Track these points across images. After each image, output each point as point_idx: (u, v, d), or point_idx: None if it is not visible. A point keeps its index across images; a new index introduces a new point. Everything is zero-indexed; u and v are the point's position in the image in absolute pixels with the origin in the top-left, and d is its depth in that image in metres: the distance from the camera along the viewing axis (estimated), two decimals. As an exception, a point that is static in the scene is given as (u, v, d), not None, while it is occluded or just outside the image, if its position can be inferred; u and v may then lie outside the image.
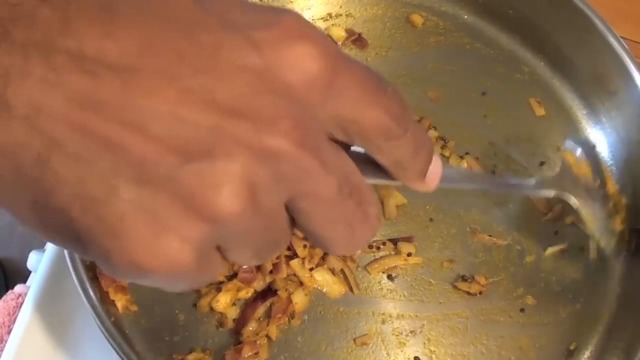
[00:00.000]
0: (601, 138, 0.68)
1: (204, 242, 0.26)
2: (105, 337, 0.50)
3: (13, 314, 0.69)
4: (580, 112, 0.69)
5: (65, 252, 0.51)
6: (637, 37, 0.79)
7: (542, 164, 0.66)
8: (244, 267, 0.55)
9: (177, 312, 0.56)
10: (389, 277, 0.60)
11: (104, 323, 0.50)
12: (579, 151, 0.58)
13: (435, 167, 0.34)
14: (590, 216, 0.56)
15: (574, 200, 0.55)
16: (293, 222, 0.29)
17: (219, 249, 0.28)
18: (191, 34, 0.25)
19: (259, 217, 0.26)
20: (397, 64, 0.68)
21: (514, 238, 0.63)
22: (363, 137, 0.29)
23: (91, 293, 0.50)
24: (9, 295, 0.71)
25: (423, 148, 0.32)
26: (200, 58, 0.25)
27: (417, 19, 0.71)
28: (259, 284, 0.55)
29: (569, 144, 0.58)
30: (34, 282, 0.62)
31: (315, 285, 0.57)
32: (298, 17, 0.27)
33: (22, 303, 0.68)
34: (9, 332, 0.68)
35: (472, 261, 0.61)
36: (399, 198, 0.62)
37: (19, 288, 0.71)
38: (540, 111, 0.68)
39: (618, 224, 0.59)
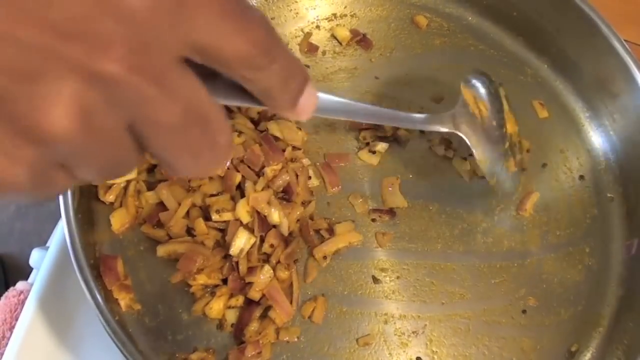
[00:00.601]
0: (604, 140, 0.68)
1: (36, 163, 0.26)
2: (109, 336, 0.50)
3: (15, 311, 0.69)
4: (583, 115, 0.69)
5: (70, 249, 0.51)
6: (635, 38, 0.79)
7: (544, 165, 0.66)
8: (233, 274, 0.56)
9: (180, 311, 0.56)
10: (374, 279, 0.60)
11: (107, 322, 0.50)
12: (479, 89, 0.57)
13: (308, 98, 0.33)
14: (483, 155, 0.56)
15: (465, 138, 0.56)
16: (138, 144, 0.29)
17: (62, 166, 0.28)
18: None
19: (94, 138, 0.26)
20: (402, 65, 0.69)
21: (516, 239, 0.63)
22: (223, 65, 0.29)
23: (95, 291, 0.50)
24: (11, 292, 0.71)
25: (293, 78, 0.32)
26: None
27: (422, 20, 0.71)
28: (252, 292, 0.55)
29: (470, 80, 0.58)
30: (37, 279, 0.62)
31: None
32: None
33: (23, 300, 0.68)
34: (10, 329, 0.68)
35: (474, 262, 0.61)
36: (400, 201, 0.62)
37: (20, 285, 0.71)
38: (543, 113, 0.68)
39: (512, 166, 0.58)
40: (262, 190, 0.57)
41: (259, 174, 0.58)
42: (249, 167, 0.57)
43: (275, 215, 0.56)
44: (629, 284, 0.63)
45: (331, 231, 0.59)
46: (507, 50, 0.71)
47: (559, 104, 0.69)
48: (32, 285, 0.71)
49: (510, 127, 0.59)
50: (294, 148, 0.61)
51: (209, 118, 0.29)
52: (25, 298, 0.69)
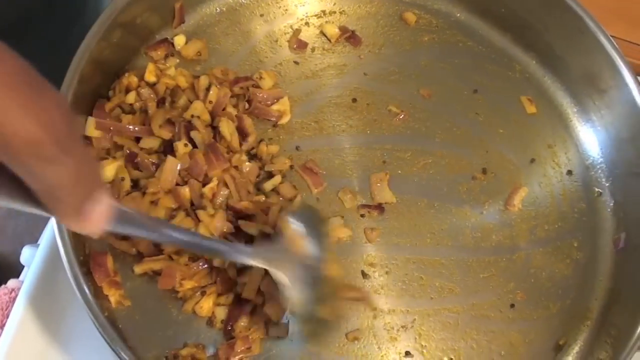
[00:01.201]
0: (591, 135, 0.69)
1: None
2: (99, 332, 0.51)
3: (6, 309, 0.70)
4: (570, 110, 0.70)
5: (60, 247, 0.51)
6: (629, 36, 0.80)
7: (532, 161, 0.67)
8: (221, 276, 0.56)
9: (170, 307, 0.56)
10: (363, 274, 0.60)
11: (97, 318, 0.51)
12: (301, 228, 0.51)
13: (100, 206, 0.29)
14: (294, 296, 0.50)
15: (281, 276, 0.49)
16: None
17: None
18: None
19: None
20: (390, 62, 0.69)
21: (504, 234, 0.63)
22: (8, 150, 0.26)
23: (85, 288, 0.51)
24: (2, 290, 0.71)
25: (85, 179, 0.28)
26: None
27: (410, 16, 0.71)
28: (246, 291, 0.55)
29: (291, 219, 0.51)
30: (27, 276, 0.63)
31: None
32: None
33: (15, 297, 0.69)
34: (2, 327, 0.68)
35: (463, 257, 0.62)
36: (389, 196, 0.62)
37: (12, 283, 0.72)
38: (531, 109, 0.69)
39: (322, 312, 0.52)
40: (214, 214, 0.56)
41: (205, 183, 0.57)
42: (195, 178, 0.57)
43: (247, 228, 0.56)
44: (617, 278, 0.63)
45: (320, 227, 0.60)
46: (495, 47, 0.71)
47: (547, 99, 0.70)
48: (22, 282, 0.71)
49: (334, 270, 0.54)
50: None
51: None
52: (17, 295, 0.69)
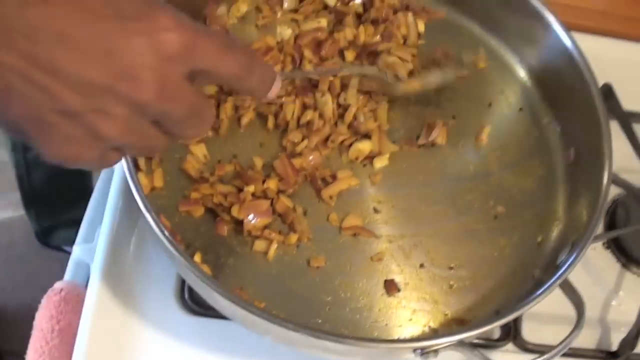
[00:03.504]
0: (533, 77, 0.87)
1: (97, 150, 0.47)
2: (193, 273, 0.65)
3: (59, 306, 0.82)
4: (513, 60, 0.88)
5: (137, 198, 0.64)
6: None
7: (490, 104, 0.85)
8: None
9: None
10: (375, 210, 0.77)
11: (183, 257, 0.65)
12: None
13: (276, 87, 0.55)
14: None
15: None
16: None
17: (116, 149, 0.49)
18: (95, 20, 0.42)
19: (133, 136, 0.47)
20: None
21: (479, 164, 0.81)
22: (220, 79, 0.53)
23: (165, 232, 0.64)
24: (51, 292, 0.83)
25: (266, 81, 0.54)
26: (102, 38, 0.43)
27: None
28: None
29: None
30: (95, 257, 0.76)
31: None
32: (169, 11, 0.45)
33: (65, 296, 0.81)
34: (58, 322, 0.80)
35: (449, 186, 0.79)
36: (392, 147, 0.79)
37: (58, 284, 0.84)
38: (482, 64, 0.86)
39: None
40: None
41: None
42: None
43: None
44: (572, 183, 0.81)
45: (334, 177, 0.76)
46: (444, 19, 0.88)
47: (493, 55, 0.88)
48: (69, 282, 0.85)
49: None
50: None
51: (201, 107, 0.50)
52: (67, 294, 0.82)
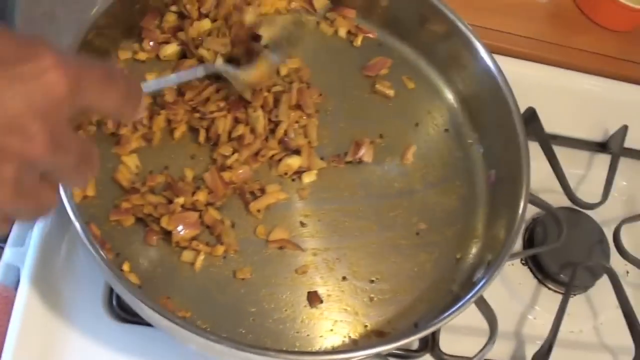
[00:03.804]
0: (459, 100, 0.91)
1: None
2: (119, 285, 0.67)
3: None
4: (441, 82, 0.92)
5: (71, 214, 0.66)
6: (477, 22, 1.02)
7: (416, 124, 0.88)
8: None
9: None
10: (301, 224, 0.80)
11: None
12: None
13: (141, 105, 0.51)
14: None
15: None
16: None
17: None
18: None
19: (22, 195, 0.43)
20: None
21: (403, 181, 0.84)
22: (99, 112, 0.57)
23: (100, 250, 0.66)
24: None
25: (137, 103, 0.50)
26: None
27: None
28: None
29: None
30: (26, 262, 0.78)
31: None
32: (51, 48, 0.41)
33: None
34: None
35: (374, 202, 0.82)
36: (320, 163, 0.82)
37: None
38: (410, 85, 0.90)
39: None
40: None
41: None
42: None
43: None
44: (493, 204, 0.85)
45: (263, 191, 0.78)
46: (376, 40, 0.92)
47: (421, 76, 0.91)
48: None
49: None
50: None
51: (90, 153, 0.47)
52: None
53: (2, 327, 0.77)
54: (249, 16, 0.80)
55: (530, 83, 1.02)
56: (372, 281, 0.78)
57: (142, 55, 0.83)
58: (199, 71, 0.77)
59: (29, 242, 0.80)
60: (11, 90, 0.39)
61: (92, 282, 0.78)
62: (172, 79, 0.76)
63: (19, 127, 0.40)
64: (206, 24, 0.82)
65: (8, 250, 0.87)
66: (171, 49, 0.83)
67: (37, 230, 0.80)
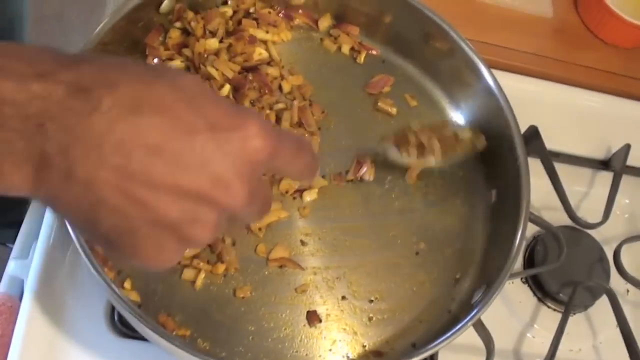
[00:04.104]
0: (462, 118, 0.91)
1: (183, 252, 0.48)
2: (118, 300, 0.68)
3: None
4: (444, 100, 0.92)
5: (73, 237, 0.68)
6: (478, 37, 1.03)
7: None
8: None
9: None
10: (302, 242, 0.81)
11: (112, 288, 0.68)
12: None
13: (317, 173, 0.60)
14: None
15: None
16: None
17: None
18: (187, 133, 0.43)
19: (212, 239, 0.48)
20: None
21: (404, 200, 0.85)
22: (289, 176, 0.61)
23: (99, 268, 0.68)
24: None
25: (315, 170, 0.56)
26: (194, 150, 0.44)
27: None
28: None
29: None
30: (29, 276, 0.79)
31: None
32: (257, 119, 0.46)
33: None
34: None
35: (374, 221, 0.83)
36: (322, 181, 0.84)
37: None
38: (413, 103, 0.91)
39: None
40: None
41: None
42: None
43: None
44: (492, 225, 0.86)
45: (264, 209, 0.79)
46: (380, 57, 0.93)
47: (424, 94, 0.92)
48: (3, 294, 0.87)
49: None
50: None
51: (269, 197, 0.53)
52: (1, 305, 0.85)
53: (7, 336, 0.79)
54: None
55: (534, 99, 1.03)
56: (371, 301, 0.79)
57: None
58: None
59: (32, 254, 0.82)
60: (222, 152, 0.44)
61: (94, 296, 0.80)
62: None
63: (224, 183, 0.45)
64: (213, 43, 0.83)
65: (12, 262, 0.89)
66: (175, 65, 0.84)
67: (41, 243, 0.81)
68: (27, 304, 0.78)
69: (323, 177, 0.84)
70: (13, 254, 0.93)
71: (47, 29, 2.33)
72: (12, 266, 0.89)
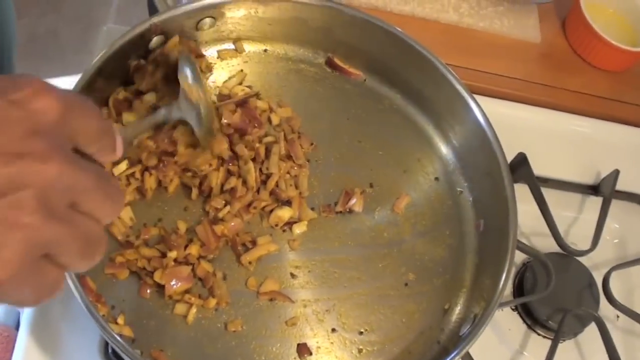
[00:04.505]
0: (449, 148, 0.93)
1: (26, 249, 0.41)
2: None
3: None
4: (431, 130, 0.94)
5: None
6: (463, 63, 1.05)
7: (405, 171, 0.91)
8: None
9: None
10: (292, 275, 0.83)
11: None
12: (189, 77, 0.78)
13: (118, 142, 0.52)
14: (199, 129, 0.78)
15: (190, 120, 0.77)
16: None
17: (50, 257, 0.43)
18: None
19: (58, 223, 0.43)
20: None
21: (393, 231, 0.87)
22: (86, 143, 0.48)
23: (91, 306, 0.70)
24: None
25: (111, 136, 0.51)
26: None
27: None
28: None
29: (182, 69, 0.78)
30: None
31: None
32: (35, 78, 0.44)
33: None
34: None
35: (363, 252, 0.85)
36: (311, 214, 0.86)
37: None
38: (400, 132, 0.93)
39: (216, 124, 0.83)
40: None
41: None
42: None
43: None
44: (481, 254, 0.88)
45: (254, 243, 0.81)
46: (365, 86, 0.95)
47: (411, 124, 0.94)
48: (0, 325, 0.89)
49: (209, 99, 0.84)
50: None
51: (105, 172, 0.48)
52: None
53: (7, 362, 0.81)
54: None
55: (522, 125, 1.05)
56: (361, 332, 0.81)
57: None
58: (159, 115, 0.77)
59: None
60: (10, 113, 0.42)
61: (88, 328, 0.81)
62: (143, 126, 0.77)
63: (28, 151, 0.42)
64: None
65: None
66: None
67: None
68: (23, 336, 0.80)
69: (312, 209, 0.86)
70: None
71: (41, 48, 2.36)
72: (6, 300, 0.91)
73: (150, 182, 0.80)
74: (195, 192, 0.82)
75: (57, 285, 0.45)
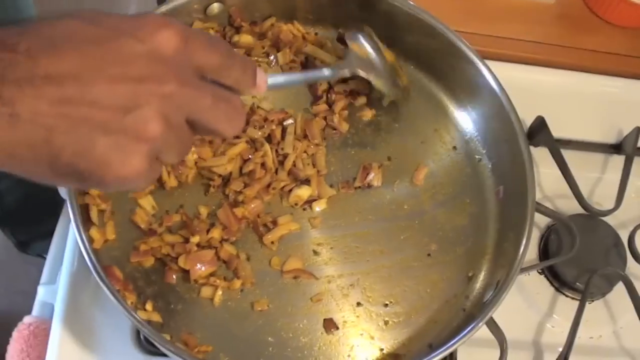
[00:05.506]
0: (466, 117, 0.95)
1: (149, 155, 0.50)
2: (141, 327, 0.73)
3: (28, 341, 0.91)
4: (447, 99, 0.96)
5: (88, 262, 0.72)
6: (484, 30, 1.06)
7: (422, 142, 0.93)
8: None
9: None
10: (314, 252, 0.85)
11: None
12: (359, 39, 0.88)
13: (260, 78, 0.61)
14: (377, 80, 0.87)
15: (362, 73, 0.85)
16: (193, 130, 0.54)
17: (157, 157, 0.52)
18: (99, 44, 0.49)
19: (172, 132, 0.51)
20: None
21: (413, 203, 0.89)
22: (213, 72, 0.55)
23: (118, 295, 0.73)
24: (21, 325, 0.92)
25: (248, 68, 0.59)
26: (111, 57, 0.49)
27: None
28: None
29: (350, 36, 0.88)
30: (57, 301, 0.84)
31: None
32: (157, 16, 0.52)
33: (34, 330, 0.90)
34: (29, 356, 0.90)
35: (385, 225, 0.87)
36: (330, 191, 0.88)
37: (27, 319, 0.93)
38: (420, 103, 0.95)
39: (402, 80, 0.91)
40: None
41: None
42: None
43: None
44: (502, 220, 0.90)
45: (275, 223, 0.84)
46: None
47: (426, 94, 0.96)
48: (37, 317, 0.93)
49: (390, 57, 0.90)
50: None
51: (226, 96, 0.56)
52: (35, 328, 0.91)
53: (44, 356, 0.84)
54: None
55: (540, 88, 1.06)
56: (385, 305, 0.84)
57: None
58: (326, 72, 0.83)
59: (59, 279, 0.87)
60: (134, 53, 0.50)
61: (120, 316, 0.83)
62: (298, 78, 0.81)
63: (150, 76, 0.50)
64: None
65: (41, 289, 0.95)
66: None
67: (65, 269, 0.86)
68: (57, 328, 0.84)
69: (331, 186, 0.88)
70: (42, 280, 0.99)
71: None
72: (41, 292, 0.95)
73: (171, 181, 0.83)
74: (216, 181, 0.85)
75: (157, 175, 0.55)
